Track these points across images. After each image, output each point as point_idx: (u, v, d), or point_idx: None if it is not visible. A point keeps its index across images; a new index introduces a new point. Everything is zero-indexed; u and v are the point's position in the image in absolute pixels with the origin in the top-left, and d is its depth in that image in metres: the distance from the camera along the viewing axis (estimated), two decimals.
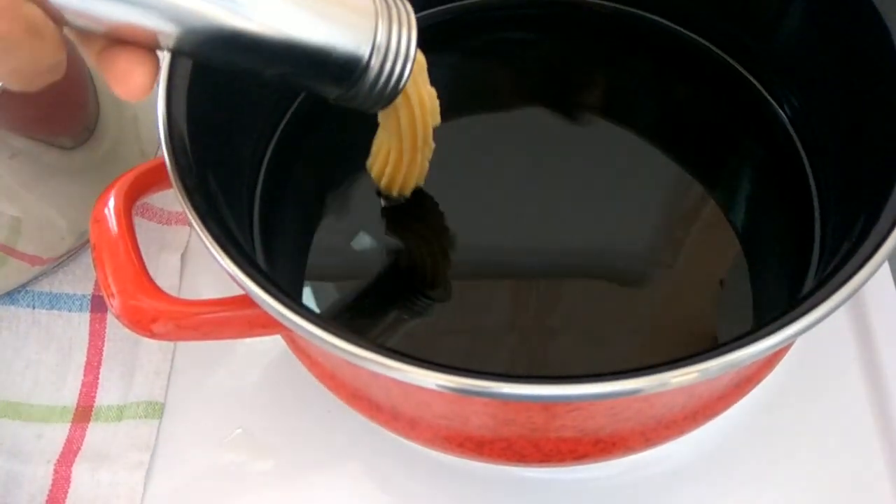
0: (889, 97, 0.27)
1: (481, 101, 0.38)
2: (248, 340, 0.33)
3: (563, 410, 0.24)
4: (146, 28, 0.21)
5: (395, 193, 0.33)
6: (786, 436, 0.32)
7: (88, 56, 0.22)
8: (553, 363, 0.30)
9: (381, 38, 0.25)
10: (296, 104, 0.37)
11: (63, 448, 0.33)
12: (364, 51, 0.24)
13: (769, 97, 0.36)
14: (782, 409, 0.33)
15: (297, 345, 0.30)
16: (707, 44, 0.38)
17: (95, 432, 0.33)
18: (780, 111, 0.36)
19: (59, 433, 0.33)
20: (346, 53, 0.24)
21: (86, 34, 0.22)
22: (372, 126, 0.33)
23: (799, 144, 0.35)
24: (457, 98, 0.38)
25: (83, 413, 0.34)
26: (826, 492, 0.31)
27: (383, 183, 0.32)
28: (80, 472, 0.32)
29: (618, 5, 0.39)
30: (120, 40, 0.22)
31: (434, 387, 0.21)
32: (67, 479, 0.32)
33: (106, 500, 0.32)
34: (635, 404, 0.25)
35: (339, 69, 0.24)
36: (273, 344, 0.34)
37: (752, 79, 0.37)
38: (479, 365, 0.22)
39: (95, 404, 0.34)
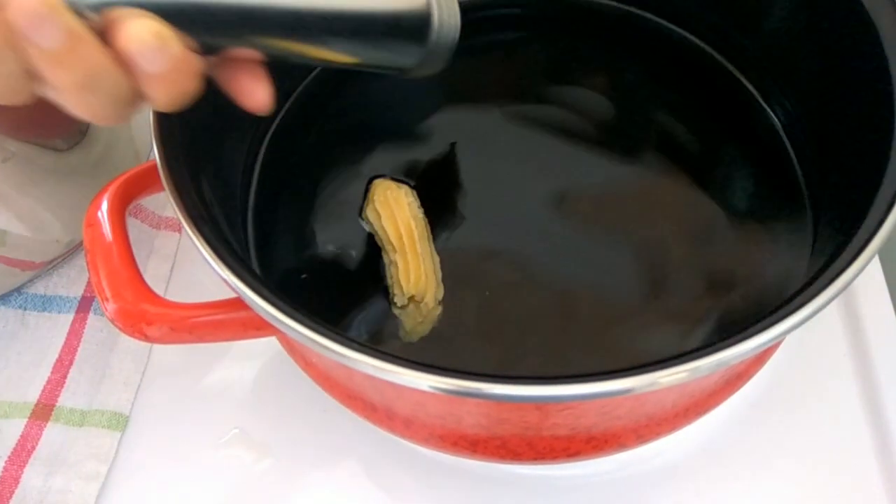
0: (877, 98, 0.28)
1: (477, 100, 0.38)
2: (243, 342, 0.33)
3: (555, 409, 0.25)
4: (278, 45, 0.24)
5: (421, 298, 0.31)
6: (777, 431, 0.33)
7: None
8: (545, 363, 0.30)
9: None
10: (288, 104, 0.37)
11: (16, 445, 0.32)
12: (425, 6, 0.27)
13: (759, 96, 0.36)
14: (773, 405, 0.33)
15: (291, 346, 0.30)
16: (701, 44, 0.38)
17: (54, 433, 0.33)
18: (771, 112, 0.36)
19: (14, 429, 0.33)
20: (416, 11, 0.27)
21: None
22: (364, 126, 0.33)
23: (789, 142, 0.35)
24: (451, 97, 0.38)
25: (43, 410, 0.33)
26: (817, 486, 0.31)
27: (410, 291, 0.31)
28: (32, 474, 0.32)
29: (613, 3, 0.39)
30: (232, 59, 0.24)
31: (427, 389, 0.21)
32: (17, 480, 0.31)
33: None
34: (627, 403, 0.25)
35: (415, 28, 0.27)
36: (268, 345, 0.34)
37: (743, 79, 0.37)
38: (472, 366, 0.22)
39: (58, 404, 0.33)
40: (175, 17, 0.21)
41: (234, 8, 0.23)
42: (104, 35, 0.21)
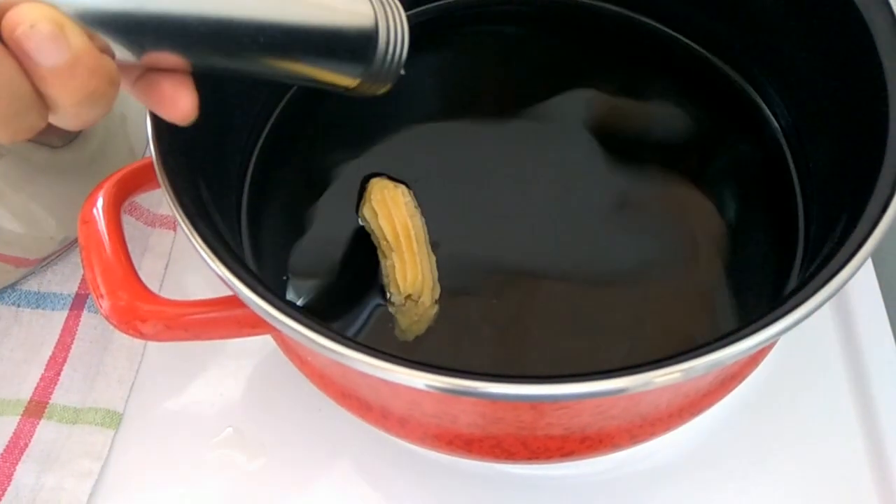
0: (868, 94, 0.28)
1: (473, 98, 0.38)
2: (238, 340, 0.33)
3: (550, 409, 0.25)
4: (188, 56, 0.22)
5: (418, 297, 0.31)
6: (770, 432, 0.33)
7: (125, 88, 0.23)
8: (540, 363, 0.30)
9: (377, 6, 0.26)
10: (284, 101, 0.37)
11: (9, 442, 0.32)
12: (371, 23, 0.26)
13: (755, 97, 0.36)
14: (767, 406, 0.33)
15: (286, 345, 0.30)
16: (698, 47, 0.38)
17: (47, 431, 0.33)
18: (767, 112, 0.36)
19: (7, 426, 0.33)
20: (359, 28, 0.26)
21: (123, 68, 0.22)
22: (360, 125, 0.33)
23: (784, 144, 0.35)
24: (445, 95, 0.38)
25: (36, 408, 0.33)
26: (809, 486, 0.32)
27: (406, 289, 0.31)
28: (24, 472, 0.31)
29: (607, 5, 0.40)
30: (157, 68, 0.22)
31: (423, 387, 0.21)
32: (9, 477, 0.31)
33: None
34: (621, 403, 0.25)
35: (357, 45, 0.26)
36: (263, 344, 0.34)
37: (740, 80, 0.37)
38: (467, 364, 0.22)
39: (51, 401, 0.33)
40: (84, 15, 0.19)
41: (145, 13, 0.20)
42: None
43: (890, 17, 0.28)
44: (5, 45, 0.18)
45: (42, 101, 0.20)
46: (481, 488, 0.32)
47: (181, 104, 0.22)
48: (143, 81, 0.22)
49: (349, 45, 0.26)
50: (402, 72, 0.28)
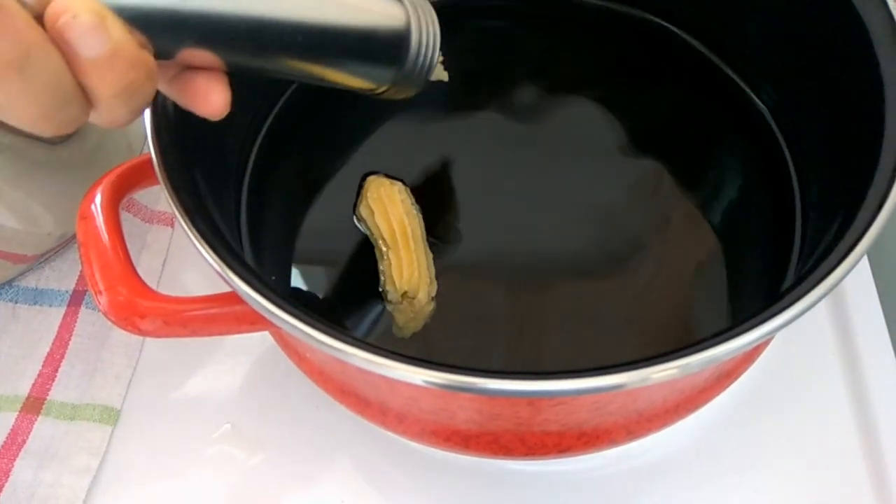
0: (865, 92, 0.28)
1: (469, 95, 0.38)
2: (236, 336, 0.33)
3: (547, 405, 0.25)
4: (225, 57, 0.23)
5: (414, 295, 0.31)
6: (766, 428, 0.33)
7: (161, 86, 0.23)
8: (537, 359, 0.30)
9: (410, 9, 0.26)
10: (283, 98, 0.37)
11: (7, 438, 0.32)
12: (404, 24, 0.26)
13: (750, 92, 0.36)
14: (762, 402, 0.33)
15: (285, 341, 0.30)
16: (687, 37, 0.38)
17: (45, 427, 0.33)
18: (762, 106, 0.36)
19: (5, 422, 0.33)
20: (391, 30, 0.26)
21: (160, 65, 0.22)
22: (358, 123, 0.33)
23: (781, 139, 0.35)
24: (446, 93, 0.38)
25: (34, 404, 0.33)
26: (805, 482, 0.32)
27: (403, 288, 0.31)
28: (23, 468, 0.31)
29: (604, 2, 0.40)
30: (190, 66, 0.23)
31: (421, 383, 0.21)
32: (7, 473, 0.31)
33: (43, 501, 0.31)
34: (618, 399, 0.25)
35: (390, 47, 0.26)
36: (261, 340, 0.34)
37: (732, 74, 0.37)
38: (464, 360, 0.22)
39: (49, 397, 0.33)
40: (124, 9, 0.20)
41: (185, 11, 0.21)
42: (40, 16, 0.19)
43: (886, 14, 0.28)
44: (49, 36, 0.19)
45: (83, 94, 0.20)
46: (479, 484, 0.32)
47: (214, 100, 0.23)
48: (178, 79, 0.23)
49: (382, 47, 0.26)
50: (433, 77, 0.28)
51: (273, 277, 0.32)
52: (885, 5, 0.28)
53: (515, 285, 0.32)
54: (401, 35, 0.26)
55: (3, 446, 0.32)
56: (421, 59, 0.27)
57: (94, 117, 0.21)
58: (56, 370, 0.34)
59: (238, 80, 0.32)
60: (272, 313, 0.23)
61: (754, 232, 0.33)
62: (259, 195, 0.34)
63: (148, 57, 0.21)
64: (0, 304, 0.36)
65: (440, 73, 0.32)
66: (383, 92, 0.27)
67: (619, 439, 0.28)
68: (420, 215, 0.33)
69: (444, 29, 0.30)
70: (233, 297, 0.25)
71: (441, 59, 0.31)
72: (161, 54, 0.21)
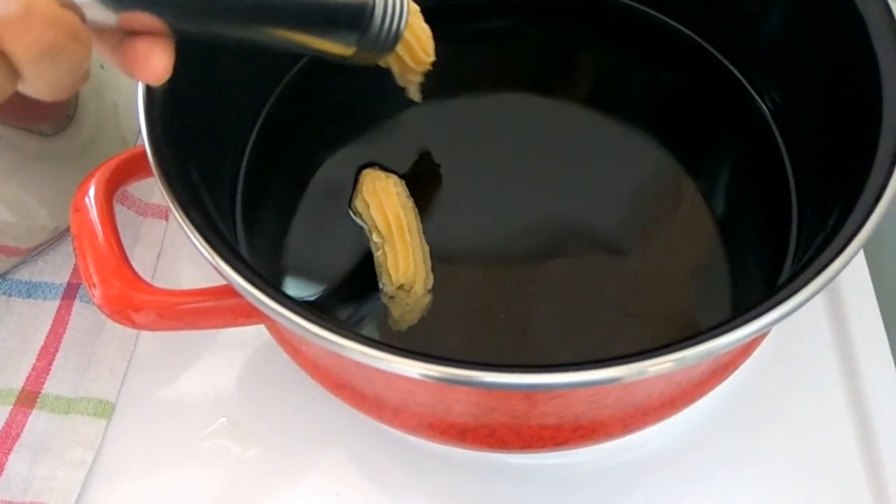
0: (864, 91, 0.28)
1: (466, 87, 0.38)
2: (231, 329, 0.33)
3: (544, 398, 0.25)
4: (164, 16, 0.21)
5: (411, 287, 0.31)
6: (762, 421, 0.33)
7: (104, 53, 0.22)
8: (534, 352, 0.30)
9: None
10: (278, 91, 0.37)
11: (1, 432, 0.32)
12: None
13: (750, 88, 0.36)
14: (759, 396, 0.33)
15: (280, 335, 0.30)
16: (691, 34, 0.38)
17: (39, 421, 0.32)
18: (761, 102, 0.36)
19: None
20: None
21: (101, 31, 0.21)
22: (354, 115, 0.33)
23: (778, 135, 0.35)
24: (442, 84, 0.38)
25: (28, 397, 0.33)
26: (800, 476, 0.32)
27: (398, 279, 0.31)
28: (17, 462, 0.31)
29: None
30: (134, 31, 0.21)
31: (417, 376, 0.21)
32: (1, 466, 0.31)
33: (37, 494, 0.31)
34: (614, 392, 0.25)
35: (352, 13, 0.26)
36: (256, 334, 0.34)
37: (734, 70, 0.37)
38: (461, 353, 0.22)
39: (43, 391, 0.33)
40: None
41: None
42: None
43: (884, 7, 0.28)
44: None
45: (5, 61, 0.19)
46: (475, 477, 0.32)
47: (153, 64, 0.21)
48: (121, 45, 0.22)
49: (345, 9, 0.25)
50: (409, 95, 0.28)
51: (278, 267, 0.32)
52: (885, 4, 0.28)
53: (512, 277, 0.32)
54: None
55: None
56: (387, 23, 0.26)
57: (24, 87, 0.20)
58: (50, 364, 0.34)
59: (232, 72, 0.32)
60: (267, 306, 0.23)
61: (752, 226, 0.33)
62: (254, 189, 0.34)
63: (71, 16, 0.19)
64: None
65: (414, 95, 0.32)
66: (350, 57, 0.27)
67: (615, 433, 0.28)
68: (416, 208, 0.33)
69: (443, 21, 0.30)
70: (228, 290, 0.25)
71: (421, 79, 0.31)
72: (97, 18, 0.20)
